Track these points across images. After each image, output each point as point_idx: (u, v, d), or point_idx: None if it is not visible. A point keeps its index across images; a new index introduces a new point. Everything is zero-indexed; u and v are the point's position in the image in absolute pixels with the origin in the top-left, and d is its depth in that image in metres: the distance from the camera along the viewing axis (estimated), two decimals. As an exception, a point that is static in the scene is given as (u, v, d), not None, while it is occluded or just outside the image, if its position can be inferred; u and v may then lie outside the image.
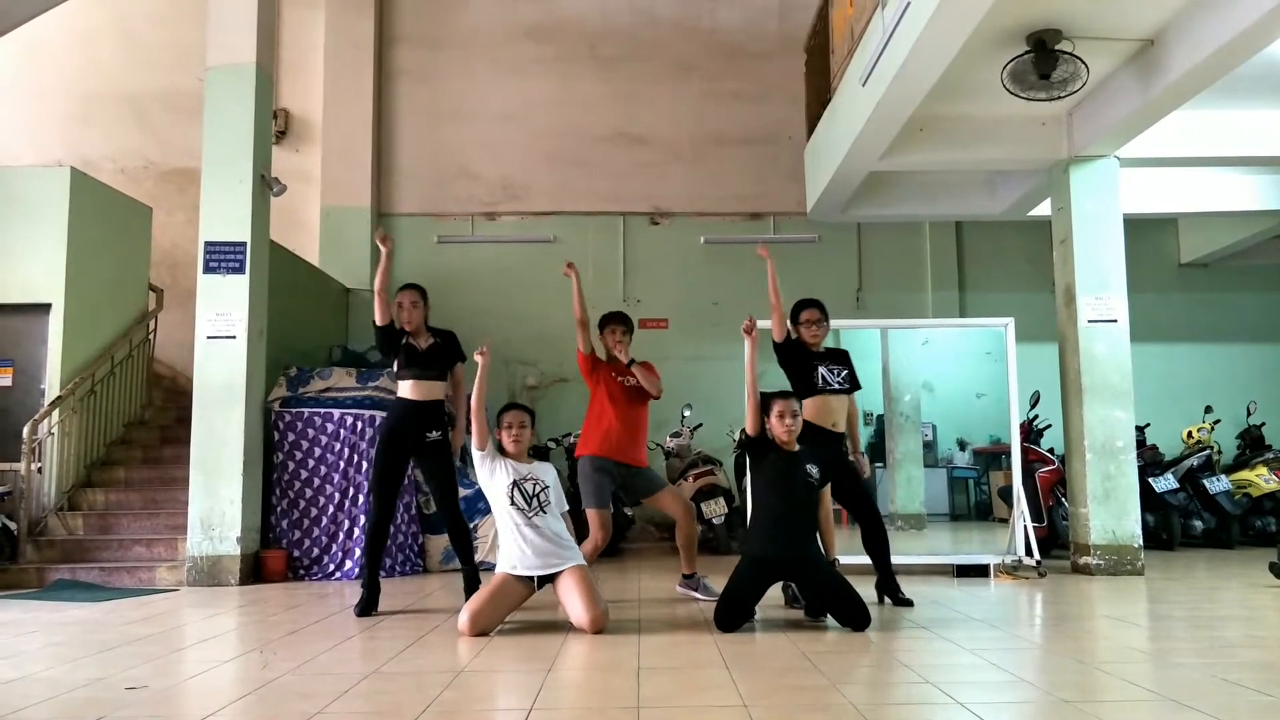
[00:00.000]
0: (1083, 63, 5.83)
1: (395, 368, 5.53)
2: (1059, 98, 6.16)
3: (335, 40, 10.31)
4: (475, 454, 4.89)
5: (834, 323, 6.42)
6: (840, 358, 5.60)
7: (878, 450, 8.73)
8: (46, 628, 5.01)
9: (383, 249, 5.43)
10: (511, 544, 4.76)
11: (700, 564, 5.83)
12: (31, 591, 6.49)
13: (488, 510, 7.32)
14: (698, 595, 5.65)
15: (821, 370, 5.45)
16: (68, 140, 10.49)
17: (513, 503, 4.75)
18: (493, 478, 4.83)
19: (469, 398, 5.19)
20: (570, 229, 10.28)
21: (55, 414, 7.44)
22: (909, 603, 5.31)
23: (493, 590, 4.69)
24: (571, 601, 4.65)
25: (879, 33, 6.14)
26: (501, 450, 4.94)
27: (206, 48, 7.14)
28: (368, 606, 5.25)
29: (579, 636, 4.51)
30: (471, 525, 7.30)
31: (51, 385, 7.57)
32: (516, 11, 10.58)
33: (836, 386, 5.45)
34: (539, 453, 8.86)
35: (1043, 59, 5.85)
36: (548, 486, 4.86)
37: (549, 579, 4.76)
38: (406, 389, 5.45)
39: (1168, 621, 5.00)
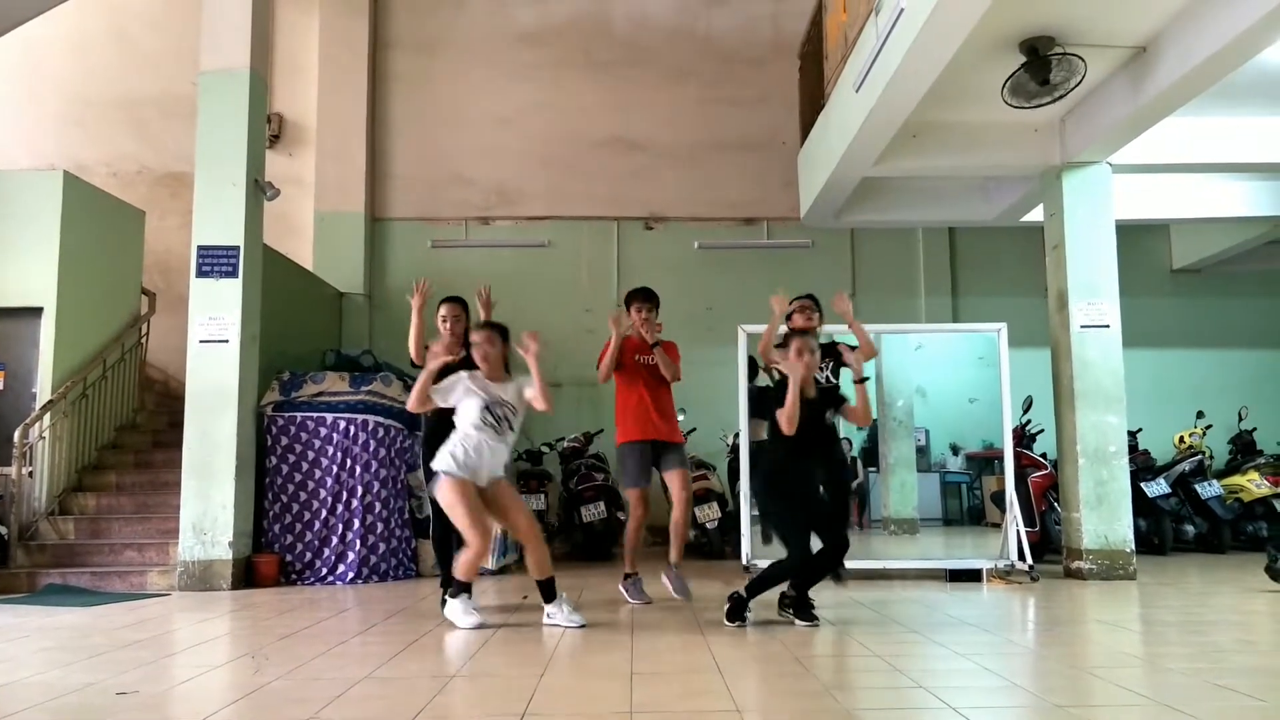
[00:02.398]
0: (1078, 58, 5.84)
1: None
2: (1061, 97, 6.16)
3: (330, 45, 10.31)
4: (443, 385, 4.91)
5: (828, 328, 6.47)
6: (829, 351, 5.61)
7: (870, 455, 8.74)
8: (37, 632, 4.99)
9: (414, 303, 5.57)
10: (468, 452, 4.77)
11: (693, 569, 5.83)
12: (22, 596, 6.47)
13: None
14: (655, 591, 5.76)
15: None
16: (61, 144, 10.47)
17: (484, 423, 4.82)
18: (462, 403, 4.88)
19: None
20: (565, 234, 10.28)
21: (46, 418, 7.41)
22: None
23: (466, 499, 4.71)
24: (514, 514, 4.93)
25: (873, 39, 6.16)
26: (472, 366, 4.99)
27: (200, 52, 7.13)
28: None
29: (572, 641, 4.50)
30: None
31: (43, 389, 7.54)
32: (511, 17, 10.59)
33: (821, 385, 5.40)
34: (533, 457, 8.87)
35: (1037, 66, 5.88)
36: (516, 411, 4.95)
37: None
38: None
39: (1160, 626, 5.01)
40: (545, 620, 4.89)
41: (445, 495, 4.75)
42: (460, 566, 4.88)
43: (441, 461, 4.78)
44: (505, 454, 4.94)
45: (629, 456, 5.77)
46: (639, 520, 5.77)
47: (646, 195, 10.38)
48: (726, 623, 4.79)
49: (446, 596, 5.11)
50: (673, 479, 5.76)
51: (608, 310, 9.83)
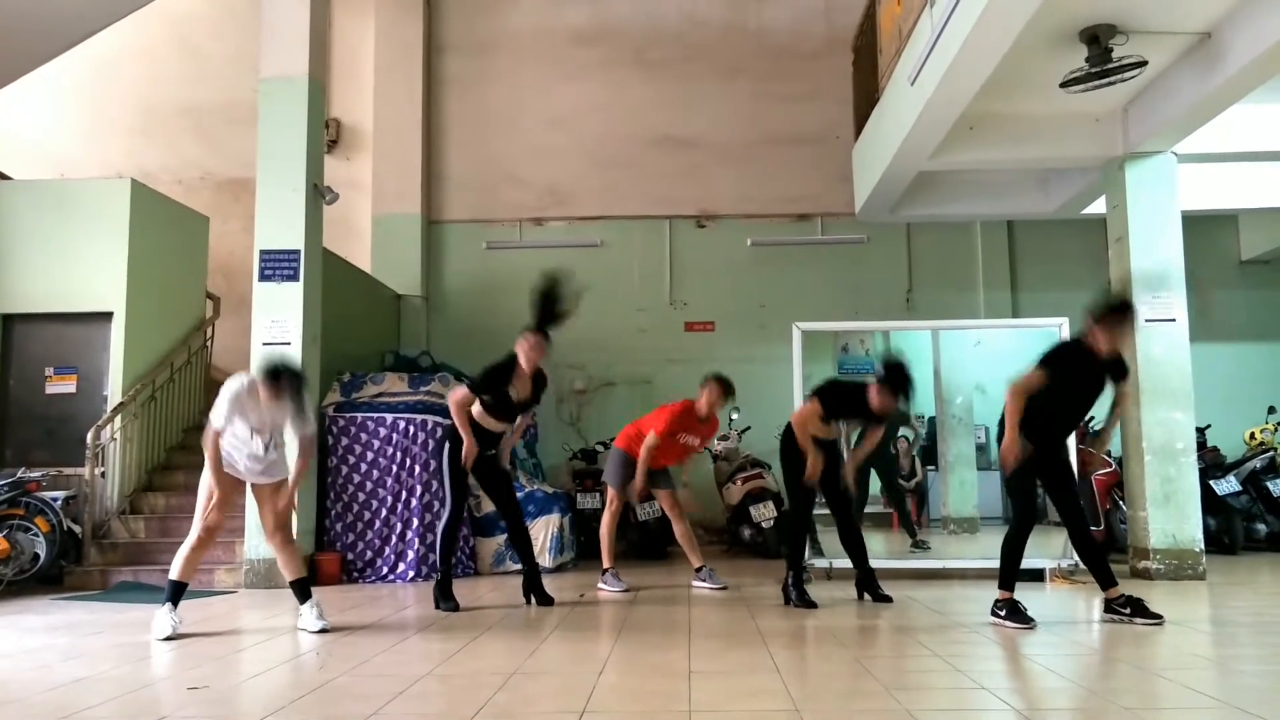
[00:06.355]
0: (1139, 59, 5.70)
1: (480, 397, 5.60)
2: (1126, 79, 5.99)
3: (385, 49, 10.45)
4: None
5: (884, 324, 6.42)
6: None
7: (929, 453, 8.62)
8: (110, 628, 5.14)
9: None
10: (240, 459, 4.99)
11: (749, 568, 5.86)
12: (96, 593, 6.67)
13: (538, 513, 7.40)
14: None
15: None
16: (128, 152, 10.76)
17: (252, 438, 5.01)
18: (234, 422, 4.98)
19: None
20: (617, 233, 10.31)
21: (117, 420, 7.63)
22: (888, 599, 5.66)
23: (212, 483, 4.89)
24: (265, 513, 5.10)
25: (928, 31, 6.08)
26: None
27: (260, 60, 7.28)
28: (453, 601, 5.58)
29: (630, 639, 4.52)
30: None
31: (113, 392, 7.77)
32: (563, 17, 10.64)
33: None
34: (588, 455, 8.90)
35: (1098, 59, 5.74)
36: (283, 442, 5.19)
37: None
38: (489, 422, 5.65)
39: (1231, 627, 4.89)
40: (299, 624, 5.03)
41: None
42: (177, 561, 5.01)
43: None
44: (261, 459, 5.04)
45: (624, 466, 6.41)
46: (615, 514, 6.54)
47: (698, 193, 10.36)
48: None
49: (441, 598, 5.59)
50: (663, 497, 6.55)
51: (659, 310, 9.89)
